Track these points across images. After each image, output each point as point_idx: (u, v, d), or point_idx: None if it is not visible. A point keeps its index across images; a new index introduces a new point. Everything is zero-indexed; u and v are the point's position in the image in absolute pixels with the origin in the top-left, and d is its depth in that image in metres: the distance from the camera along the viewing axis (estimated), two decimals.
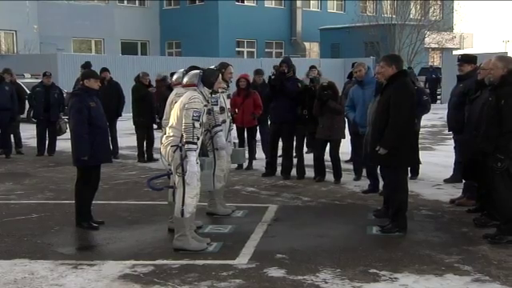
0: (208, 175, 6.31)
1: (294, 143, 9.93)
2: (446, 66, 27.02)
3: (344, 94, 9.91)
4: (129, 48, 34.01)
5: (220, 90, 6.92)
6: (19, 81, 14.57)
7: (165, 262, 5.55)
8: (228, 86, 7.65)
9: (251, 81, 10.78)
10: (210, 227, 6.81)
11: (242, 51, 35.46)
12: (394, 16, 32.28)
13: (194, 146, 5.74)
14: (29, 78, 19.00)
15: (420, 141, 10.10)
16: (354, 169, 9.60)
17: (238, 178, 9.77)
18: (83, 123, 6.65)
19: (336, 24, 34.71)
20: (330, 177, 9.42)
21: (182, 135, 5.75)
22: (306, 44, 37.27)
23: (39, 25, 29.25)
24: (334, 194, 8.55)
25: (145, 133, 11.68)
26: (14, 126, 12.76)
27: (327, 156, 9.51)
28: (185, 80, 6.11)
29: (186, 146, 5.71)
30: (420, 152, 9.65)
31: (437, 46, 33.63)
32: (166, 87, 12.18)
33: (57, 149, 12.68)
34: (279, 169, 9.91)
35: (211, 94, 6.11)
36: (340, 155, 9.48)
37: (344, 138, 9.49)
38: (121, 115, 12.43)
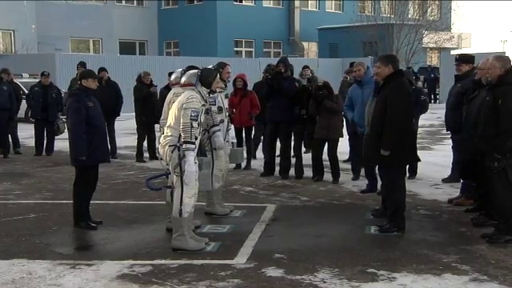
0: (206, 175, 6.31)
1: (292, 143, 9.94)
2: (444, 65, 27.05)
3: (341, 93, 9.92)
4: (127, 48, 34.01)
5: (218, 90, 6.92)
6: (17, 80, 14.56)
7: (163, 261, 5.55)
8: (226, 86, 7.65)
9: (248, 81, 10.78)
10: (209, 227, 6.81)
11: (241, 51, 35.47)
12: (392, 16, 32.30)
13: (192, 146, 5.73)
14: (27, 78, 19.00)
15: (418, 140, 10.10)
16: (353, 168, 9.60)
17: (237, 177, 9.77)
18: (81, 123, 6.64)
19: (334, 24, 34.72)
20: (328, 176, 9.42)
21: (180, 135, 5.75)
22: (304, 44, 37.30)
23: (37, 24, 29.21)
24: (332, 194, 8.56)
25: (146, 132, 11.66)
26: (12, 126, 12.75)
27: (325, 156, 9.52)
28: (183, 80, 6.11)
29: (184, 146, 5.71)
30: (418, 152, 9.72)
31: (435, 45, 33.65)
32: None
33: (55, 149, 12.67)
34: (277, 168, 9.91)
35: (209, 93, 6.11)
36: (338, 155, 9.48)
37: (342, 137, 9.49)
38: (119, 115, 12.42)
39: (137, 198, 8.37)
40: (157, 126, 11.54)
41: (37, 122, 12.75)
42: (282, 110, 9.53)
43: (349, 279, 5.06)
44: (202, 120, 5.97)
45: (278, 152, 10.01)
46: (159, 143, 6.07)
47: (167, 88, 9.85)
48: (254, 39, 35.64)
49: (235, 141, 10.10)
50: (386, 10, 33.19)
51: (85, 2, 32.59)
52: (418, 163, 9.58)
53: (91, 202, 6.98)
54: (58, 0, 31.24)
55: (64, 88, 15.79)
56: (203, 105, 5.97)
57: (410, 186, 8.90)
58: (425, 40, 32.38)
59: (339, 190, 8.86)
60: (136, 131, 12.01)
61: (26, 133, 13.87)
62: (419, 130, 10.24)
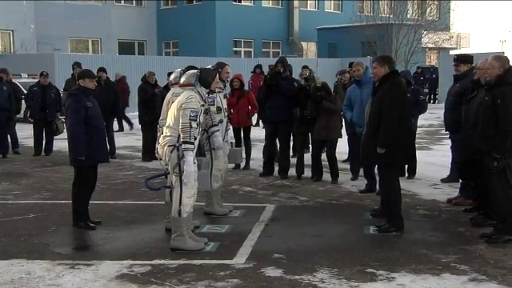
0: (205, 175, 6.31)
1: (291, 143, 9.95)
2: (443, 65, 27.04)
3: (335, 92, 9.92)
4: (126, 48, 33.98)
5: (217, 90, 6.92)
6: (16, 80, 14.55)
7: (162, 261, 5.55)
8: (225, 86, 7.65)
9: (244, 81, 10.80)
10: (208, 227, 6.81)
11: (240, 51, 35.44)
12: (391, 16, 32.28)
13: (191, 146, 5.73)
14: (26, 78, 18.99)
15: (417, 140, 10.14)
16: (351, 168, 9.61)
17: (236, 177, 9.77)
18: (80, 123, 6.64)
19: (333, 24, 34.70)
20: (327, 176, 9.43)
21: (179, 135, 5.75)
22: (304, 44, 37.28)
23: (36, 24, 29.18)
24: (331, 194, 8.56)
25: (151, 132, 11.66)
26: (11, 126, 12.74)
27: (324, 156, 9.53)
28: (182, 80, 6.10)
29: (183, 146, 5.71)
30: (417, 152, 9.75)
31: (434, 45, 33.65)
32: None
33: (54, 149, 12.67)
34: (277, 168, 9.91)
35: (208, 93, 6.11)
36: (337, 155, 9.49)
37: (341, 137, 9.50)
38: (117, 114, 12.41)
39: (136, 198, 8.37)
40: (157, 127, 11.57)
41: (35, 122, 12.74)
42: (280, 111, 9.54)
43: (348, 279, 5.06)
44: (201, 120, 5.97)
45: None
46: (158, 143, 6.07)
47: (166, 88, 9.85)
48: (253, 39, 35.62)
49: (234, 141, 10.11)
50: (384, 10, 33.17)
51: (84, 2, 32.56)
52: (418, 163, 9.64)
53: (90, 202, 6.98)
54: (56, 0, 31.21)
55: (63, 88, 15.80)
56: (202, 105, 5.97)
57: (409, 185, 8.93)
58: (424, 40, 32.36)
59: (338, 190, 8.86)
60: (141, 131, 12.00)
61: (24, 133, 13.86)
62: (418, 129, 10.24)
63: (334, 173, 9.36)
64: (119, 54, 31.75)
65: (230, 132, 7.70)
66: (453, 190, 8.37)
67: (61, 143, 11.92)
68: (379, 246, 6.00)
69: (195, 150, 5.88)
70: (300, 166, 9.70)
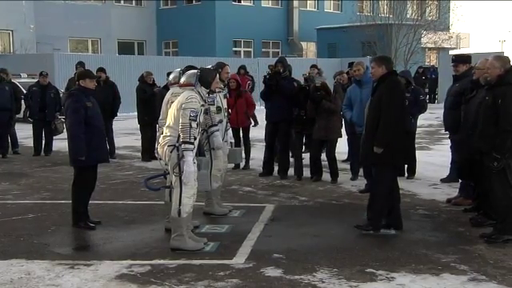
0: (205, 175, 6.31)
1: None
2: (443, 65, 27.04)
3: (335, 93, 9.92)
4: (125, 48, 33.97)
5: (217, 90, 6.92)
6: (15, 80, 14.55)
7: (162, 261, 5.55)
8: (225, 86, 7.65)
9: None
10: (207, 227, 6.81)
11: (239, 51, 35.45)
12: (390, 16, 32.29)
13: (191, 146, 5.73)
14: (25, 78, 18.98)
15: (417, 140, 10.16)
16: (351, 168, 9.61)
17: (235, 177, 9.77)
18: (80, 123, 6.64)
19: (333, 24, 34.71)
20: (326, 176, 9.42)
21: (179, 135, 5.75)
22: (303, 44, 37.28)
23: (36, 24, 29.17)
24: (330, 194, 8.56)
25: (149, 132, 11.65)
26: (11, 126, 12.73)
27: (324, 156, 9.53)
28: (182, 80, 6.10)
29: (182, 146, 5.71)
30: (417, 152, 9.77)
31: (433, 45, 33.66)
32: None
33: (53, 149, 12.67)
34: (276, 168, 9.91)
35: (208, 93, 6.11)
36: (337, 155, 9.49)
37: (341, 137, 9.50)
38: (116, 115, 12.41)
39: (135, 198, 8.37)
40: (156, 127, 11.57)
41: (35, 122, 12.74)
42: (280, 110, 9.54)
43: (347, 279, 5.06)
44: (201, 120, 5.96)
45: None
46: (158, 143, 6.07)
47: (166, 88, 9.84)
48: (253, 39, 35.63)
49: (233, 141, 10.11)
50: (384, 10, 33.18)
51: (83, 2, 32.55)
52: (417, 163, 9.65)
53: (90, 201, 6.98)
54: (56, 0, 31.20)
55: (63, 88, 15.79)
56: (202, 105, 5.97)
57: (409, 185, 8.93)
58: (423, 40, 32.38)
59: (338, 189, 8.86)
60: (139, 131, 11.99)
61: (24, 133, 13.85)
62: (418, 129, 10.24)
63: (334, 173, 9.36)
64: (119, 53, 31.75)
65: (230, 132, 7.70)
66: (452, 190, 8.37)
67: (60, 143, 11.92)
68: (379, 246, 6.00)
69: (195, 150, 5.88)
70: (299, 167, 9.69)
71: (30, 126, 12.95)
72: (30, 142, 12.98)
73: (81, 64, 13.30)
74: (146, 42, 35.67)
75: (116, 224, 6.97)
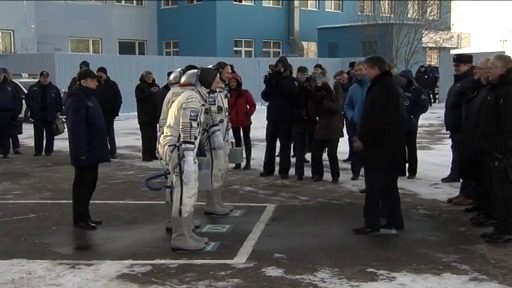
0: (206, 175, 6.31)
1: (292, 143, 9.94)
2: (444, 65, 27.03)
3: (336, 93, 9.91)
4: (126, 48, 33.98)
5: (218, 90, 6.92)
6: (16, 80, 14.55)
7: (163, 261, 5.55)
8: (226, 86, 7.65)
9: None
10: (208, 227, 6.81)
11: (240, 51, 35.45)
12: (391, 15, 32.28)
13: (192, 146, 5.73)
14: (26, 78, 18.99)
15: (418, 140, 10.15)
16: (352, 168, 9.60)
17: (236, 177, 9.77)
18: (81, 123, 6.64)
19: (333, 23, 34.70)
20: (327, 176, 9.42)
21: (180, 135, 5.75)
22: (304, 43, 37.28)
23: (36, 24, 29.18)
24: (331, 194, 8.55)
25: (149, 131, 11.65)
26: (15, 127, 12.71)
27: (325, 155, 9.53)
28: (182, 79, 6.10)
29: (183, 146, 5.70)
30: (417, 151, 9.76)
31: (434, 45, 33.66)
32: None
33: (54, 148, 12.67)
34: (277, 168, 9.91)
35: (209, 93, 6.11)
36: (338, 154, 9.48)
37: (342, 137, 9.50)
38: (117, 115, 12.41)
39: (136, 197, 8.37)
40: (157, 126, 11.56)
41: (36, 122, 12.74)
42: (281, 110, 9.54)
43: (348, 279, 5.06)
44: (201, 120, 5.96)
45: (277, 152, 10.02)
46: (159, 143, 6.07)
47: (166, 88, 9.83)
48: (254, 39, 35.62)
49: (234, 140, 10.11)
50: (385, 10, 33.18)
51: (84, 2, 32.55)
52: (418, 163, 9.65)
53: (91, 201, 6.98)
54: (57, 0, 31.21)
55: (63, 87, 15.79)
56: (203, 105, 5.97)
57: (410, 185, 8.93)
58: (424, 40, 32.37)
59: (339, 189, 8.86)
60: (139, 131, 12.00)
61: (25, 133, 13.83)
62: (419, 129, 10.24)
63: (335, 172, 9.36)
64: (120, 53, 31.75)
65: (231, 132, 7.70)
66: (453, 190, 8.37)
67: (61, 143, 11.93)
68: (380, 246, 6.00)
69: (195, 150, 5.88)
70: (300, 167, 9.70)
71: (31, 126, 12.96)
72: (31, 142, 12.98)
73: (85, 64, 13.30)
74: (146, 42, 35.67)
75: (117, 224, 6.97)
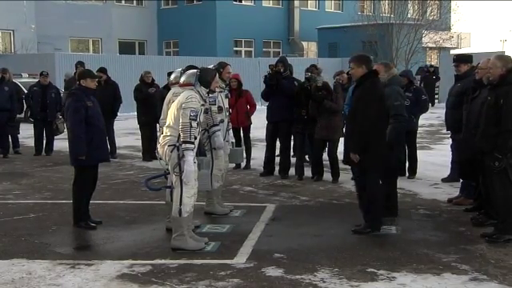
0: (206, 175, 6.31)
1: (292, 143, 9.93)
2: (444, 65, 27.02)
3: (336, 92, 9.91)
4: (126, 47, 33.98)
5: (218, 90, 6.92)
6: (16, 80, 14.55)
7: (163, 261, 5.55)
8: (226, 86, 7.65)
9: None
10: (208, 227, 6.81)
11: (240, 51, 35.44)
12: (391, 15, 32.28)
13: (191, 146, 5.73)
14: (26, 78, 18.99)
15: (418, 140, 10.15)
16: (352, 168, 9.57)
17: (236, 177, 9.77)
18: (80, 123, 6.64)
19: (334, 23, 34.68)
20: (327, 176, 9.42)
21: (179, 135, 5.75)
22: (304, 43, 37.27)
23: (37, 24, 29.18)
24: (331, 194, 8.55)
25: (148, 131, 11.64)
26: (14, 127, 12.71)
27: (325, 155, 9.53)
28: (182, 79, 6.10)
29: (183, 146, 5.70)
30: (418, 151, 9.76)
31: (434, 45, 33.65)
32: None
33: (54, 148, 12.67)
34: (277, 168, 9.91)
35: (208, 93, 6.11)
36: (338, 155, 9.48)
37: (342, 137, 9.47)
38: (116, 115, 12.41)
39: (136, 197, 8.37)
40: (157, 126, 11.55)
41: (36, 122, 12.74)
42: (281, 110, 9.54)
43: (348, 279, 5.06)
44: (201, 120, 5.96)
45: (277, 151, 10.02)
46: (159, 143, 6.07)
47: (166, 88, 9.83)
48: (254, 39, 35.62)
49: (234, 140, 10.12)
50: (385, 10, 33.17)
51: (84, 2, 32.55)
52: (418, 163, 9.65)
53: (91, 201, 6.98)
54: (57, 0, 31.21)
55: (62, 87, 15.76)
56: (202, 104, 5.97)
57: (410, 185, 8.93)
58: (424, 40, 32.36)
59: (339, 189, 8.86)
60: (139, 131, 11.99)
61: (25, 133, 13.85)
62: (418, 129, 10.24)
63: (335, 172, 9.36)
64: (120, 53, 31.74)
65: (231, 132, 7.70)
66: (453, 190, 8.36)
67: (61, 143, 11.92)
68: (380, 246, 6.00)
69: (195, 150, 5.88)
70: (300, 167, 9.70)
71: (31, 126, 12.96)
72: (31, 142, 12.99)
73: (80, 64, 13.30)
74: (146, 42, 35.67)
75: (117, 224, 6.97)
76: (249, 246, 6.03)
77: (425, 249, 5.86)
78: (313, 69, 9.86)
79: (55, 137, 12.65)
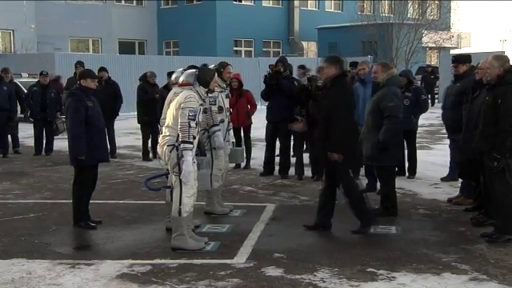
0: (205, 174, 6.31)
1: (292, 143, 9.93)
2: (444, 65, 27.03)
3: None
4: (126, 47, 33.99)
5: (218, 90, 6.92)
6: (16, 80, 14.54)
7: (163, 261, 5.55)
8: (227, 86, 7.65)
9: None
10: (208, 226, 6.81)
11: (240, 50, 35.45)
12: (391, 15, 32.30)
13: (190, 146, 5.73)
14: (26, 78, 18.99)
15: (418, 140, 10.15)
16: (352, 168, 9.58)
17: (236, 177, 9.77)
18: (80, 123, 6.64)
19: (333, 23, 34.70)
20: None
21: (178, 134, 5.75)
22: (304, 43, 37.28)
23: (36, 24, 29.19)
24: None
25: (150, 131, 11.64)
26: (12, 127, 12.72)
27: None
28: (181, 79, 6.10)
29: (181, 146, 5.70)
30: (418, 151, 9.76)
31: (434, 45, 33.66)
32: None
33: (54, 148, 12.67)
34: (277, 168, 9.91)
35: (207, 93, 6.11)
36: None
37: None
38: (118, 115, 12.41)
39: (136, 197, 8.37)
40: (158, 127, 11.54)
41: (36, 122, 12.74)
42: (281, 110, 9.54)
43: (348, 278, 5.06)
44: (199, 119, 5.96)
45: (277, 151, 10.02)
46: (158, 143, 6.07)
47: (166, 88, 9.84)
48: (254, 39, 35.63)
49: (234, 140, 10.11)
50: (385, 10, 33.19)
51: (84, 2, 32.55)
52: (418, 162, 9.64)
53: (91, 201, 6.98)
54: (57, 0, 31.21)
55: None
56: (201, 104, 5.97)
57: (410, 185, 8.93)
58: (424, 39, 32.38)
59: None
60: (140, 130, 11.98)
61: (25, 132, 13.86)
62: (418, 129, 10.23)
63: None
64: (119, 53, 31.75)
65: (231, 132, 7.69)
66: (453, 190, 8.37)
67: (61, 143, 11.92)
68: (380, 246, 6.00)
69: (194, 150, 5.88)
70: (300, 167, 9.69)
71: (31, 126, 12.96)
72: (31, 142, 12.99)
73: (80, 63, 13.30)
74: (146, 42, 35.69)
75: (117, 224, 6.97)
76: (249, 245, 6.03)
77: (425, 249, 5.86)
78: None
79: (55, 137, 12.64)
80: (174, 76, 6.98)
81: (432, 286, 4.91)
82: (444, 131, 10.37)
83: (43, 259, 5.63)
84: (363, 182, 8.72)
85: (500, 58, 6.26)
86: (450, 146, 8.67)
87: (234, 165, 9.92)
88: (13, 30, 28.69)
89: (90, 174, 6.90)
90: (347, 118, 6.34)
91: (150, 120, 11.42)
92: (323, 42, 35.82)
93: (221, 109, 7.23)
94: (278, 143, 9.98)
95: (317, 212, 6.64)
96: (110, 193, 8.67)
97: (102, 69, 12.08)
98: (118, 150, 12.32)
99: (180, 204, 5.79)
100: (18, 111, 13.28)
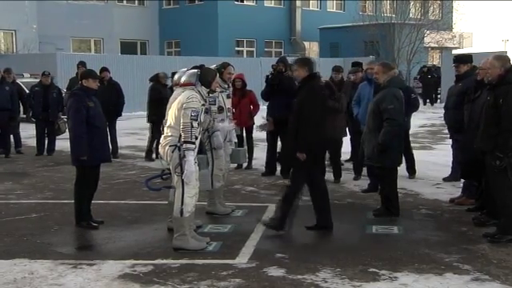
0: (205, 174, 6.31)
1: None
2: (446, 65, 27.00)
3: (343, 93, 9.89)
4: (128, 47, 34.02)
5: (219, 90, 6.92)
6: (18, 80, 14.55)
7: (164, 261, 5.55)
8: (228, 86, 7.64)
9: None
10: (210, 226, 6.81)
11: (242, 51, 35.47)
12: (393, 15, 32.30)
13: (192, 146, 5.73)
14: (28, 78, 19.01)
15: (420, 140, 10.14)
16: (354, 168, 9.59)
17: (238, 177, 9.77)
18: (82, 123, 6.64)
19: (335, 23, 34.71)
20: (329, 176, 9.40)
21: (181, 135, 5.75)
22: (306, 43, 37.26)
23: (38, 24, 29.23)
24: (333, 194, 8.50)
25: (158, 131, 11.57)
26: (14, 127, 12.73)
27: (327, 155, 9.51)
28: (183, 79, 6.10)
29: (184, 146, 5.71)
30: (419, 151, 9.76)
31: (436, 45, 33.65)
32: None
33: (56, 148, 12.67)
34: (279, 168, 9.91)
35: (209, 93, 6.12)
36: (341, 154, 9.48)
37: (345, 136, 9.49)
38: (120, 115, 12.42)
39: (138, 197, 8.37)
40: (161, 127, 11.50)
41: (37, 122, 12.75)
42: (282, 109, 9.52)
43: (350, 279, 5.05)
44: (201, 120, 5.96)
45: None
46: (159, 143, 6.07)
47: (171, 89, 9.80)
48: (255, 39, 35.65)
49: (236, 140, 10.10)
50: (387, 10, 33.20)
51: (86, 2, 32.60)
52: (420, 162, 9.64)
53: (92, 201, 6.98)
54: (59, 0, 31.24)
55: (64, 87, 15.77)
56: (203, 104, 5.97)
57: (412, 185, 8.92)
58: (426, 39, 32.37)
59: (340, 189, 8.85)
60: (150, 130, 11.91)
61: (27, 133, 13.86)
62: (420, 129, 10.23)
63: (337, 172, 9.34)
64: (121, 53, 31.78)
65: (233, 132, 7.69)
66: (455, 190, 8.36)
67: (63, 143, 11.92)
68: (382, 246, 6.00)
69: (196, 150, 5.88)
70: None
71: (33, 126, 12.97)
72: (33, 142, 12.99)
73: (82, 64, 13.30)
74: (148, 42, 35.72)
75: (119, 224, 6.97)
76: (250, 245, 6.02)
77: (427, 249, 5.86)
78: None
79: (57, 137, 12.65)
80: (176, 76, 6.97)
81: (434, 286, 4.91)
82: (446, 131, 10.36)
83: (45, 259, 5.63)
84: (365, 182, 8.75)
85: (501, 57, 6.26)
86: (452, 146, 8.66)
87: (235, 165, 9.92)
88: (15, 31, 28.73)
89: (92, 174, 6.90)
90: (315, 118, 6.30)
91: (159, 119, 11.36)
92: (325, 42, 35.85)
93: (220, 109, 7.23)
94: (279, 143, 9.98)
95: (314, 212, 6.64)
96: (111, 193, 8.67)
97: (104, 69, 12.07)
98: (119, 150, 12.32)
99: (182, 204, 5.80)
100: (21, 111, 13.30)
